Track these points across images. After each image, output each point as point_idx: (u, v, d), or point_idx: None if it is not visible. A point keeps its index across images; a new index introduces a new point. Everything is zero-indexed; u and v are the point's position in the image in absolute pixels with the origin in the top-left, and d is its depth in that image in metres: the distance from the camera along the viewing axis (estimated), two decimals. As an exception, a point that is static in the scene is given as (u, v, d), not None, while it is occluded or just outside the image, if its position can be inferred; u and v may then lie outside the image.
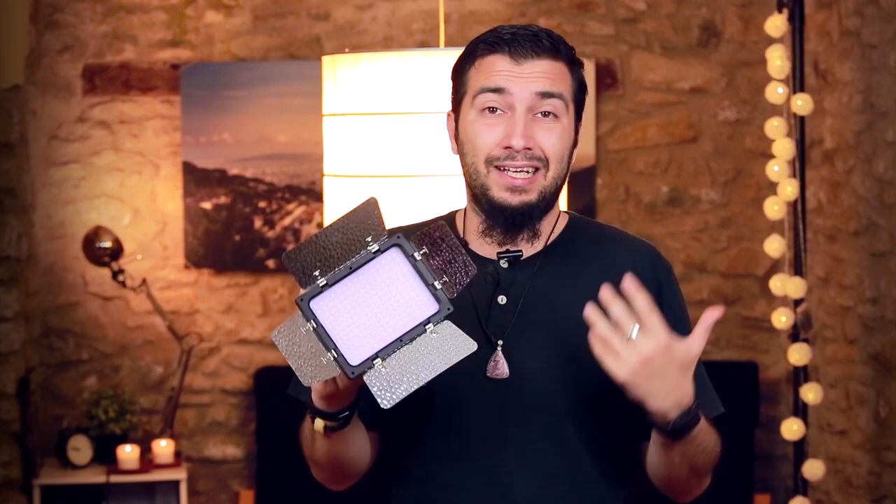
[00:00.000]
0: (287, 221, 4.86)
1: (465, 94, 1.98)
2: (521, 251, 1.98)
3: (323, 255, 1.79)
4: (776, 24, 4.07)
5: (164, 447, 4.60)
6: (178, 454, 4.66)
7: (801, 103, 4.04)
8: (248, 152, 4.84)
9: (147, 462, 4.62)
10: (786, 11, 4.07)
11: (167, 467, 4.59)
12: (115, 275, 4.62)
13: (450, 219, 2.08)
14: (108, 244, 4.60)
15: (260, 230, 4.86)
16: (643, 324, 1.77)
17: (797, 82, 4.07)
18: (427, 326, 1.77)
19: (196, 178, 4.83)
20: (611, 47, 4.93)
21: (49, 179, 4.82)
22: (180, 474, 4.59)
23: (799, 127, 4.10)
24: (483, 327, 1.96)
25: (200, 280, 4.90)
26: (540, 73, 1.93)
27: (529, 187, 1.93)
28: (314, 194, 4.81)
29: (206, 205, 4.84)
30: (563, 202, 2.18)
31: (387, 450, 2.05)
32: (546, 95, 1.93)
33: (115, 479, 4.52)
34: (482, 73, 1.95)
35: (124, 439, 4.62)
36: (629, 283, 1.79)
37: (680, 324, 1.97)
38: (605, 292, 1.79)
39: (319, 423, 1.89)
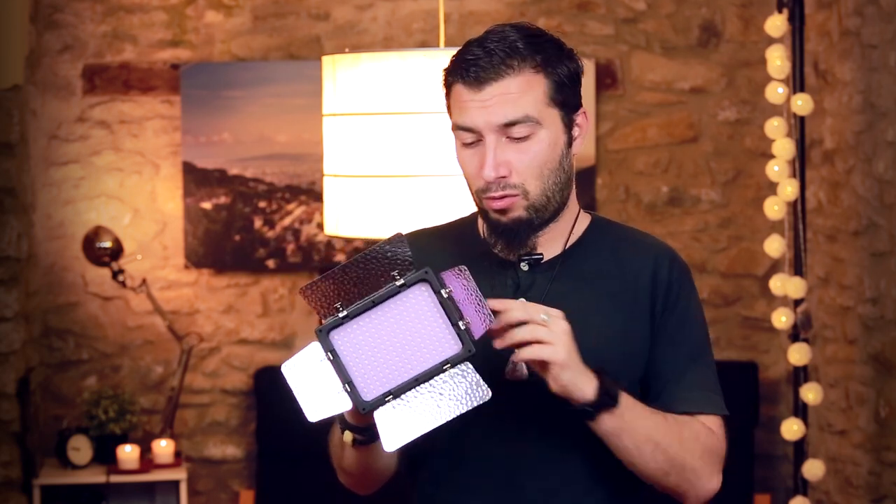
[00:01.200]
0: (287, 221, 4.86)
1: (450, 117, 1.98)
2: (541, 254, 1.98)
3: (344, 288, 1.75)
4: (776, 24, 4.07)
5: (164, 447, 4.60)
6: (178, 454, 4.66)
7: (801, 103, 4.04)
8: (248, 152, 4.83)
9: (147, 462, 4.61)
10: (786, 11, 4.07)
11: (167, 467, 4.59)
12: (115, 275, 4.62)
13: (472, 220, 2.08)
14: (108, 244, 4.60)
15: (260, 230, 4.86)
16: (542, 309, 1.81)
17: (797, 82, 4.07)
18: (445, 367, 1.74)
19: (196, 178, 4.83)
20: (611, 47, 4.93)
21: (49, 179, 4.82)
22: (180, 474, 4.59)
23: (799, 127, 4.10)
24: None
25: (200, 280, 4.90)
26: (500, 99, 1.89)
27: (512, 207, 1.92)
28: (314, 194, 4.81)
29: (206, 205, 4.84)
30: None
31: (407, 450, 2.06)
32: (509, 125, 1.90)
33: (115, 479, 4.52)
34: (454, 105, 1.95)
35: (124, 439, 4.62)
36: None
37: (686, 326, 1.98)
38: None
39: (349, 436, 1.90)
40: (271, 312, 4.92)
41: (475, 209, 2.05)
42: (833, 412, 4.50)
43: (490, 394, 1.74)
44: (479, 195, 1.95)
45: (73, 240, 4.80)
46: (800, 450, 4.12)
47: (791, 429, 4.08)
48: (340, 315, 1.75)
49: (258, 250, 4.86)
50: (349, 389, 1.74)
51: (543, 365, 1.81)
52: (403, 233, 1.80)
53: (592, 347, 1.90)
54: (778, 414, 4.84)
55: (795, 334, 4.10)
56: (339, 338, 1.75)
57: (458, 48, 1.97)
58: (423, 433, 1.73)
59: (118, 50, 4.85)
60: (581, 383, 1.82)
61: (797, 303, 4.09)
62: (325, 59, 3.12)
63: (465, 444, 1.96)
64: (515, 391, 1.93)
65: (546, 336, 1.79)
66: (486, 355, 1.88)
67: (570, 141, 1.96)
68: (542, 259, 1.98)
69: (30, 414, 4.45)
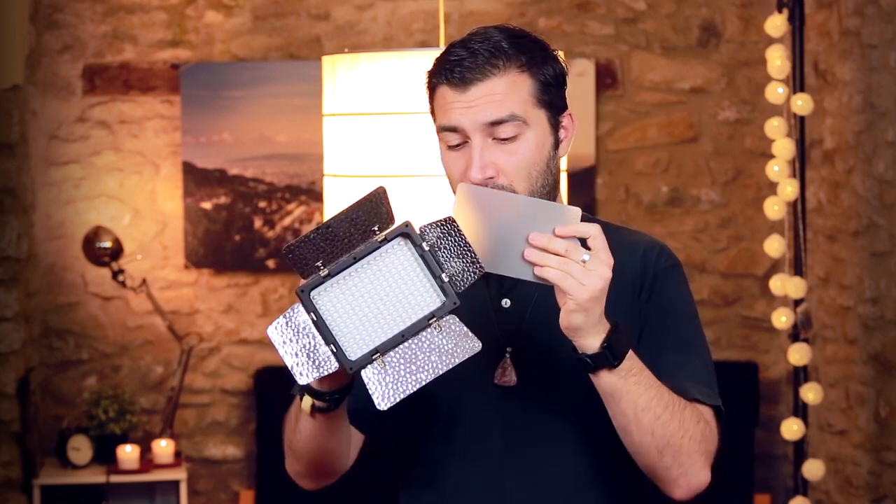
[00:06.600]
0: (287, 221, 4.86)
1: (434, 120, 1.96)
2: None
3: (327, 246, 1.71)
4: (776, 24, 4.07)
5: (164, 447, 4.60)
6: (178, 454, 4.66)
7: (801, 103, 4.04)
8: (248, 152, 4.84)
9: (147, 462, 4.62)
10: (786, 11, 4.07)
11: (167, 467, 4.59)
12: (115, 275, 4.62)
13: None
14: (108, 244, 4.61)
15: (260, 230, 4.86)
16: (593, 251, 1.73)
17: (797, 82, 4.07)
18: (430, 321, 1.70)
19: (196, 178, 4.83)
20: (611, 47, 4.93)
21: (49, 179, 4.82)
22: (180, 474, 4.59)
23: (799, 127, 4.10)
24: (496, 332, 1.95)
25: (200, 280, 4.90)
26: (485, 99, 1.86)
27: None
28: (314, 194, 4.81)
29: (206, 205, 4.84)
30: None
31: (395, 454, 2.05)
32: (495, 123, 1.87)
33: (115, 479, 4.52)
34: (438, 107, 1.93)
35: (124, 439, 4.62)
36: (559, 231, 1.75)
37: (672, 315, 1.95)
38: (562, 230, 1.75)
39: (307, 402, 1.86)
40: (271, 312, 4.92)
41: None
42: (833, 412, 4.50)
43: (479, 345, 1.70)
44: None
45: (73, 240, 4.81)
46: (800, 450, 4.12)
47: (791, 429, 4.08)
48: (322, 274, 1.71)
49: (258, 250, 4.87)
50: (334, 350, 1.69)
51: (562, 296, 1.75)
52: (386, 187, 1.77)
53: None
54: (778, 414, 4.84)
55: (795, 334, 4.10)
56: (321, 297, 1.71)
57: (441, 50, 1.94)
58: (414, 389, 1.68)
59: (118, 50, 4.85)
60: (589, 333, 1.76)
61: (797, 303, 4.09)
62: (325, 60, 3.12)
63: (451, 448, 1.95)
64: (503, 395, 1.93)
65: (576, 272, 1.73)
66: (476, 360, 1.88)
67: (556, 143, 1.94)
68: None
69: (30, 414, 4.45)
